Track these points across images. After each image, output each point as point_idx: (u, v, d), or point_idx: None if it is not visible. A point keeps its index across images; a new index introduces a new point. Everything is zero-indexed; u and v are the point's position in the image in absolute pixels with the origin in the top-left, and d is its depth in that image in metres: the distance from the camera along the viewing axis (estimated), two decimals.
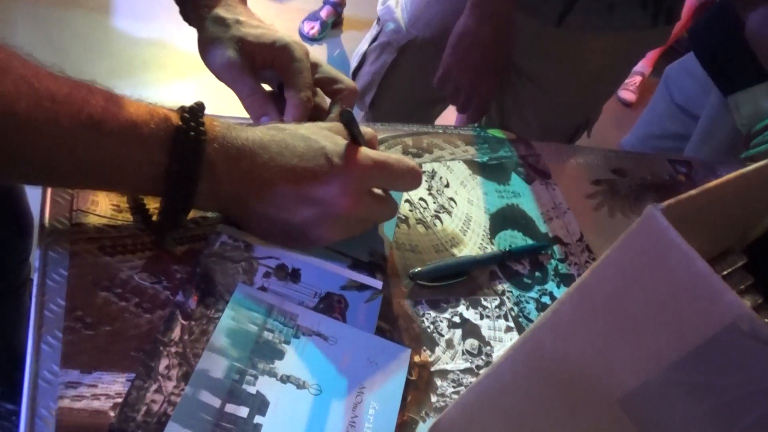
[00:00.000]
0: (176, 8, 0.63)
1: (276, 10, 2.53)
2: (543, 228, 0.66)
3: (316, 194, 0.47)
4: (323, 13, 2.42)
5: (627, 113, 2.63)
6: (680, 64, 1.38)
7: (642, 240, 0.26)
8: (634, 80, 2.66)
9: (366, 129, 0.54)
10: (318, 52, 2.42)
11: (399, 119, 1.10)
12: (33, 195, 0.92)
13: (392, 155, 0.51)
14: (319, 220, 0.48)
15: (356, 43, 1.15)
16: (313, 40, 2.41)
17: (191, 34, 0.62)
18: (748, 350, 0.24)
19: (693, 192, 0.29)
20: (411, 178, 0.52)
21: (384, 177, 0.51)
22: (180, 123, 0.44)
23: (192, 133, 0.44)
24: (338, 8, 2.45)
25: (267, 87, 0.61)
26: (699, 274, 0.24)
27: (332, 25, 2.46)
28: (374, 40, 1.08)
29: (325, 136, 0.50)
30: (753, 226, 0.43)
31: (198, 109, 0.46)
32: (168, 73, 2.06)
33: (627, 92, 2.65)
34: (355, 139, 0.50)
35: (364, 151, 0.49)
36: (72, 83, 0.42)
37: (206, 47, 0.60)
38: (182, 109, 0.46)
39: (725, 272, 0.40)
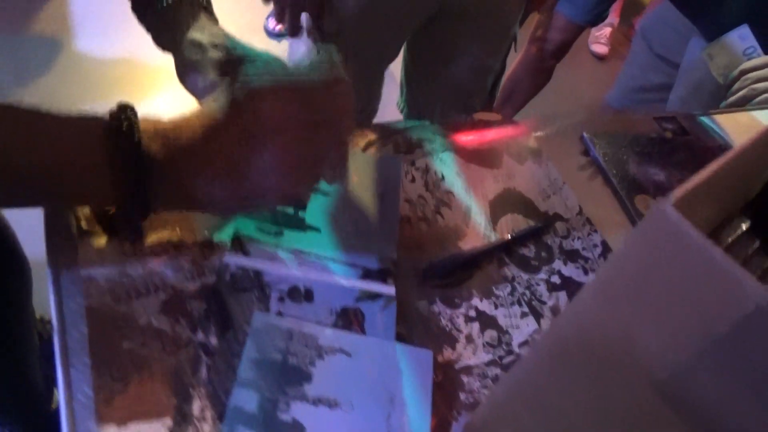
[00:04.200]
0: (135, 20, 0.62)
1: (240, 6, 2.50)
2: (542, 206, 0.66)
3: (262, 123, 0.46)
4: None
5: (601, 67, 2.63)
6: (655, 15, 1.38)
7: (655, 236, 0.27)
8: (604, 32, 2.65)
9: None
10: (286, 47, 2.40)
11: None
12: (32, 240, 0.92)
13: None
14: (268, 165, 0.46)
15: None
16: (279, 35, 2.38)
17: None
18: None
19: (698, 179, 0.29)
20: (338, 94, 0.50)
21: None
22: (109, 119, 0.43)
23: (125, 123, 0.43)
24: None
25: None
26: (717, 265, 0.25)
27: None
28: None
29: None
30: (753, 187, 0.44)
31: (125, 105, 0.45)
32: (140, 90, 2.04)
33: (599, 45, 2.64)
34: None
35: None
36: None
37: (186, 72, 0.60)
38: (110, 110, 0.45)
39: (731, 239, 0.40)
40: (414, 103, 1.24)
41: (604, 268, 0.30)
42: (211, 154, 0.46)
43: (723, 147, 0.83)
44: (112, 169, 0.43)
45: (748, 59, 1.03)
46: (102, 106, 0.46)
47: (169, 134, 0.45)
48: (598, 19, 1.56)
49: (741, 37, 1.04)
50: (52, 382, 1.17)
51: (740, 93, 0.99)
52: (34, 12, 2.18)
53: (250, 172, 0.47)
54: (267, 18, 2.41)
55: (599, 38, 2.64)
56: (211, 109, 0.48)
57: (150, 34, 0.63)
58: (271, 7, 2.79)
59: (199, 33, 0.60)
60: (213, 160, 0.46)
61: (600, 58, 2.64)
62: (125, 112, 0.44)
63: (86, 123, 0.44)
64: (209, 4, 0.64)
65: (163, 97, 2.00)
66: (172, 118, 0.47)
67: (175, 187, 0.46)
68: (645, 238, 0.28)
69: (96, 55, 2.14)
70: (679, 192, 0.27)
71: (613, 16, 2.68)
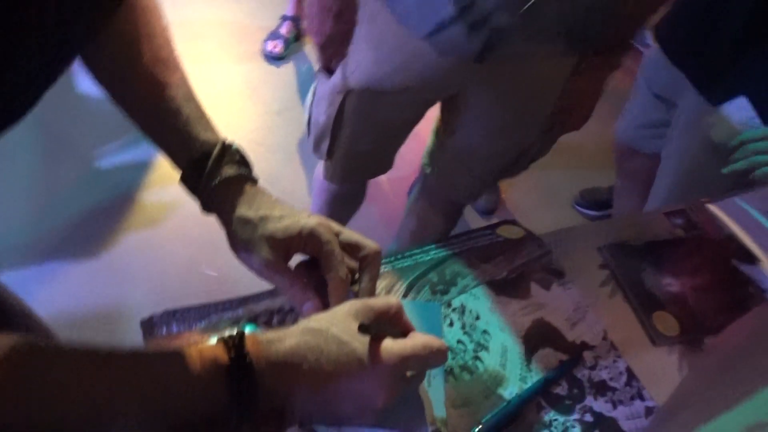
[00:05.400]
0: None
1: (239, 33, 2.51)
2: (570, 336, 0.72)
3: (354, 392, 0.53)
4: (283, 30, 2.40)
5: None
6: (654, 55, 1.42)
7: None
8: None
9: (388, 300, 0.58)
10: (286, 71, 2.42)
11: (359, 160, 1.23)
12: None
13: (417, 343, 0.56)
14: (362, 410, 0.54)
15: None
16: (279, 59, 2.40)
17: None
18: None
19: None
20: (438, 359, 0.58)
21: (411, 366, 0.57)
22: (228, 362, 0.49)
23: (241, 365, 0.49)
24: (297, 22, 2.43)
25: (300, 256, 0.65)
26: None
27: (295, 39, 2.45)
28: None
29: (353, 336, 0.54)
30: None
31: (240, 339, 0.51)
32: None
33: None
34: (375, 336, 0.54)
35: (388, 348, 0.54)
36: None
37: (238, 248, 0.65)
38: (226, 344, 0.50)
39: None
40: (434, 163, 1.29)
41: None
42: (309, 395, 0.52)
43: (728, 238, 0.89)
44: (231, 406, 0.49)
45: (747, 129, 1.08)
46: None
47: (278, 368, 0.51)
48: None
49: (739, 108, 1.09)
50: None
51: (741, 164, 1.04)
52: None
53: (342, 415, 0.54)
54: (265, 41, 2.42)
55: None
56: (325, 344, 0.53)
57: (197, 197, 0.67)
58: (268, 30, 2.85)
59: (246, 208, 0.64)
60: (309, 400, 0.53)
61: None
62: (241, 349, 0.50)
63: (203, 365, 0.49)
64: (250, 169, 0.68)
65: None
66: (284, 342, 0.52)
67: (277, 406, 0.52)
68: None
69: (103, 94, 2.15)
70: None
71: None
